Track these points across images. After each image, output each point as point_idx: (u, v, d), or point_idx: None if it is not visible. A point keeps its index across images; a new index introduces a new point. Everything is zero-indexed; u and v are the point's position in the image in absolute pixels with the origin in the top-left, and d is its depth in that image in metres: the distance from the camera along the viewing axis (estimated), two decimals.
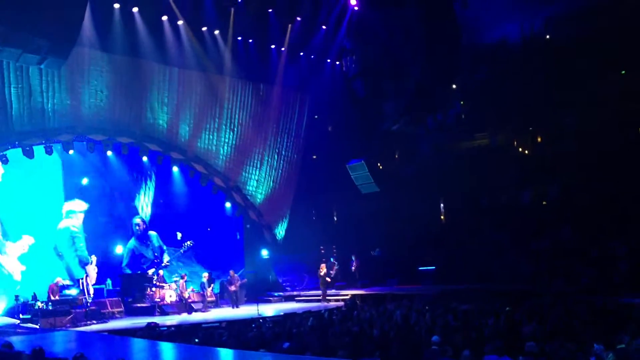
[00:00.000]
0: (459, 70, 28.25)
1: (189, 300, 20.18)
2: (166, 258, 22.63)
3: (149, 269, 21.58)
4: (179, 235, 23.34)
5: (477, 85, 28.09)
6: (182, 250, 22.83)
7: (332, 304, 19.63)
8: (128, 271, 21.98)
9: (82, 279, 18.55)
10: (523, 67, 26.21)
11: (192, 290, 20.92)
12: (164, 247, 23.34)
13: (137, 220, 23.03)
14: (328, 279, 22.53)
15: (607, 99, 23.17)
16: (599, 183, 22.83)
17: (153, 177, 24.09)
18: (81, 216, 21.10)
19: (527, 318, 12.16)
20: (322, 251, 27.16)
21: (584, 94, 23.22)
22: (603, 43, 22.54)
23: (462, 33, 28.19)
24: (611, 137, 22.73)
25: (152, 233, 23.20)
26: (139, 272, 21.54)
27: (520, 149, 27.22)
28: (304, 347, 10.30)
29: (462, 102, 28.91)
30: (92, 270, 18.84)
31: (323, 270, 22.31)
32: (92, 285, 18.56)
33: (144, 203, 23.93)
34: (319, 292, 23.45)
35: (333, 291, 23.65)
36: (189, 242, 22.58)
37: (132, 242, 22.70)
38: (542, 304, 15.24)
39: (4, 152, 18.62)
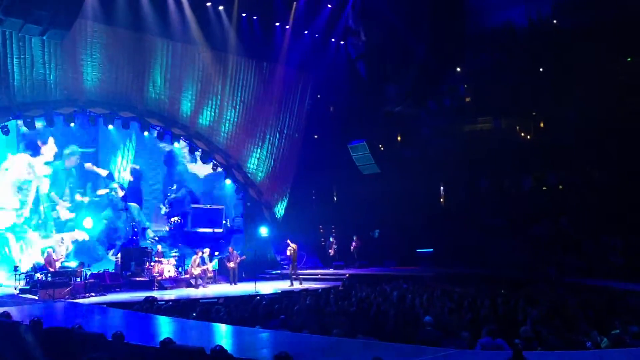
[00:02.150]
0: (463, 54, 28.08)
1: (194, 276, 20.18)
2: (150, 234, 22.11)
3: (124, 247, 20.83)
4: (164, 209, 22.95)
5: (482, 69, 27.92)
6: (168, 227, 22.29)
7: (304, 286, 18.43)
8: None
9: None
10: (528, 51, 26.05)
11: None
12: (147, 224, 22.78)
13: (114, 185, 22.32)
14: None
15: (612, 86, 23.05)
16: (599, 172, 22.83)
17: (133, 138, 23.08)
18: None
19: (523, 302, 12.24)
20: (321, 230, 27.27)
21: (589, 81, 23.08)
22: (610, 30, 22.36)
23: (467, 16, 27.99)
24: (613, 126, 22.64)
25: (133, 205, 22.36)
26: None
27: (522, 134, 27.14)
28: (300, 325, 10.39)
29: (466, 86, 28.77)
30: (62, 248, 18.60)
31: (291, 249, 20.70)
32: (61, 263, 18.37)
33: (121, 167, 22.72)
34: (318, 271, 23.60)
35: (331, 270, 23.79)
36: (176, 218, 22.02)
37: (106, 213, 22.03)
38: (537, 290, 15.34)
39: (5, 123, 18.58)
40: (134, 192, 23.25)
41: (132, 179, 23.24)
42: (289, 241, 20.90)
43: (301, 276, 21.06)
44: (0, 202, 19.93)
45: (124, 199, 22.33)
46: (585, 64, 22.93)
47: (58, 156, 21.41)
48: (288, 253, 20.80)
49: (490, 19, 27.89)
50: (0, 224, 19.78)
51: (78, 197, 22.03)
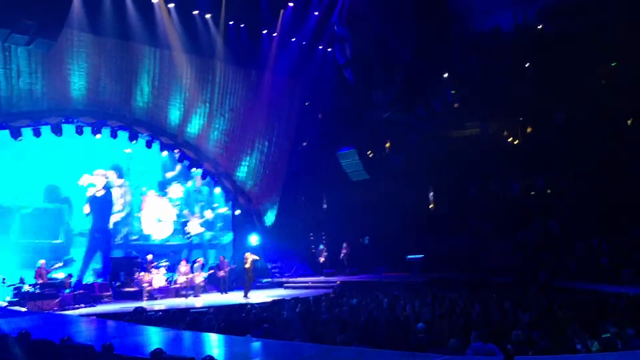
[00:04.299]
0: (450, 59, 28.24)
1: (180, 286, 20.10)
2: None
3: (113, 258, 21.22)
4: None
5: (469, 74, 28.09)
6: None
7: (254, 301, 17.16)
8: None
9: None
10: (515, 56, 26.25)
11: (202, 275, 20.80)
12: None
13: None
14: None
15: (597, 91, 23.27)
16: (586, 177, 22.99)
17: None
18: None
19: (514, 307, 12.27)
20: (312, 238, 27.23)
21: (574, 85, 23.28)
22: (595, 35, 22.57)
23: (453, 22, 28.16)
24: (600, 130, 22.84)
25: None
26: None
27: (510, 139, 27.30)
28: (291, 333, 10.36)
29: (453, 92, 28.91)
30: None
31: (248, 260, 19.88)
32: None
33: None
34: (308, 279, 23.55)
35: (322, 278, 23.75)
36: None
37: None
38: (528, 294, 15.39)
39: None
40: None
41: None
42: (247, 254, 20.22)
43: (290, 284, 20.92)
44: (161, 216, 24.77)
45: None
46: (570, 69, 23.12)
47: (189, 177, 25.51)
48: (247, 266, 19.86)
49: (477, 23, 28.11)
50: (162, 234, 24.70)
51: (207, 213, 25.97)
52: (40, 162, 21.20)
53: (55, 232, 22.21)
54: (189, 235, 24.98)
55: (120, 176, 23.59)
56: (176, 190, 25.58)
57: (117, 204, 23.40)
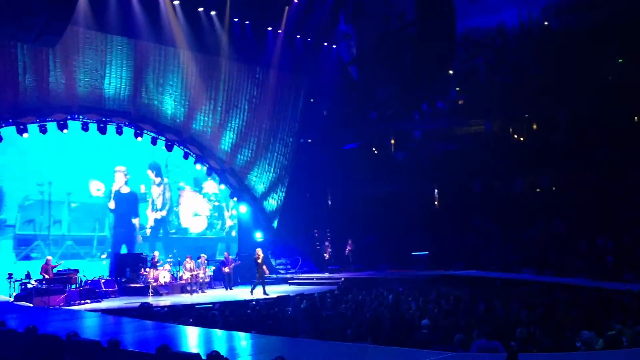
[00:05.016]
0: (455, 57, 28.24)
1: (187, 282, 20.15)
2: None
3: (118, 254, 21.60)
4: None
5: (473, 71, 28.07)
6: None
7: (259, 297, 17.16)
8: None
9: None
10: (520, 53, 26.22)
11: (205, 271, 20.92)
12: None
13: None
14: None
15: (603, 87, 23.21)
16: (591, 174, 22.96)
17: None
18: None
19: (518, 304, 12.29)
20: (316, 234, 27.28)
21: (580, 82, 23.23)
22: (600, 32, 22.53)
23: (458, 19, 28.14)
24: (606, 127, 22.79)
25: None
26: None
27: (515, 136, 27.27)
28: (296, 329, 10.40)
29: (457, 89, 28.90)
30: None
31: (261, 257, 19.53)
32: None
33: None
34: (313, 275, 23.58)
35: (326, 274, 23.80)
36: None
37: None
38: (532, 291, 15.40)
39: None
40: None
41: None
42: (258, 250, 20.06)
43: (294, 280, 20.86)
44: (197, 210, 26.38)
45: None
46: (576, 66, 23.08)
47: None
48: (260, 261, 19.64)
49: (482, 21, 28.07)
50: (198, 228, 26.32)
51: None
52: (87, 158, 22.65)
53: (101, 225, 24.08)
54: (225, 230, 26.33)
55: (158, 174, 24.94)
56: (211, 186, 26.73)
57: (158, 201, 24.84)
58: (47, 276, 17.30)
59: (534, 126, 26.94)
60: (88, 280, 18.73)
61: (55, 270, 17.94)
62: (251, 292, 18.76)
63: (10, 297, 17.22)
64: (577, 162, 23.37)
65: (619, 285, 16.11)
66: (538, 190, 25.74)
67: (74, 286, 17.49)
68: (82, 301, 16.94)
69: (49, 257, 18.16)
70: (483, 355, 7.74)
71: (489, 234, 24.27)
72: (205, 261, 21.08)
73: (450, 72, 28.20)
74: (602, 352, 8.16)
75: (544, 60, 25.09)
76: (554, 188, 25.24)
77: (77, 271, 18.40)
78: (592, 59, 23.02)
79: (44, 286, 16.69)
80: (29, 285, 17.11)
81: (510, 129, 27.50)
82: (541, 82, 24.94)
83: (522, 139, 27.14)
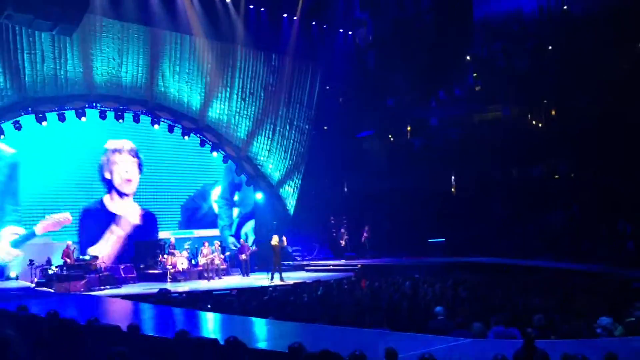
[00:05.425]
0: (472, 42, 27.93)
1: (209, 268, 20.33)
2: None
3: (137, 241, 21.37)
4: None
5: (491, 57, 27.76)
6: None
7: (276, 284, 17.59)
8: None
9: None
10: (538, 38, 25.86)
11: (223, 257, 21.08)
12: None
13: None
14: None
15: (622, 73, 22.82)
16: (611, 160, 22.63)
17: None
18: None
19: (536, 291, 12.23)
20: (332, 221, 27.31)
21: (600, 68, 22.87)
22: (620, 16, 22.12)
23: (475, 4, 27.79)
24: (626, 112, 22.43)
25: None
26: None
27: (533, 123, 26.97)
28: (312, 316, 10.45)
29: (475, 75, 28.61)
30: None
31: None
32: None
33: None
34: (329, 262, 23.64)
35: (343, 261, 23.85)
36: None
37: None
38: (550, 278, 15.30)
39: (17, 119, 18.72)
40: None
41: None
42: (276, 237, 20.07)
43: (311, 267, 20.95)
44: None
45: None
46: (595, 51, 22.71)
47: None
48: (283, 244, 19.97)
49: (499, 5, 27.69)
50: None
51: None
52: None
53: None
54: None
55: None
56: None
57: None
58: (68, 260, 17.54)
59: (553, 112, 26.60)
60: (108, 266, 18.99)
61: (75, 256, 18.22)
62: (270, 279, 18.87)
63: (31, 283, 17.53)
64: (596, 148, 23.04)
65: (639, 271, 15.94)
66: (557, 176, 25.47)
67: (94, 273, 17.73)
68: (102, 287, 17.21)
69: (69, 242, 18.39)
70: (500, 342, 7.72)
71: (506, 221, 24.10)
72: (219, 247, 21.23)
73: (468, 58, 27.87)
74: (622, 338, 8.10)
75: (564, 45, 24.71)
76: (572, 175, 24.95)
77: (96, 257, 18.65)
78: (612, 43, 22.62)
79: (65, 272, 16.95)
80: (50, 272, 17.39)
81: (529, 116, 27.18)
82: (560, 68, 24.59)
83: (540, 125, 26.82)
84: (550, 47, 25.32)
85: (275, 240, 19.70)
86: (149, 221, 22.15)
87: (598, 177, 23.07)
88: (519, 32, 26.71)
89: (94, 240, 20.34)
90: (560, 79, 24.30)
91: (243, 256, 21.25)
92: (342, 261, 23.87)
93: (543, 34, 25.69)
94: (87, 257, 18.49)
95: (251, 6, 22.88)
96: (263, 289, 15.15)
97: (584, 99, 24.10)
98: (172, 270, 19.76)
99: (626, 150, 22.07)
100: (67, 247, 18.03)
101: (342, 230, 26.33)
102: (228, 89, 22.93)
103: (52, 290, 16.19)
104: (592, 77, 23.09)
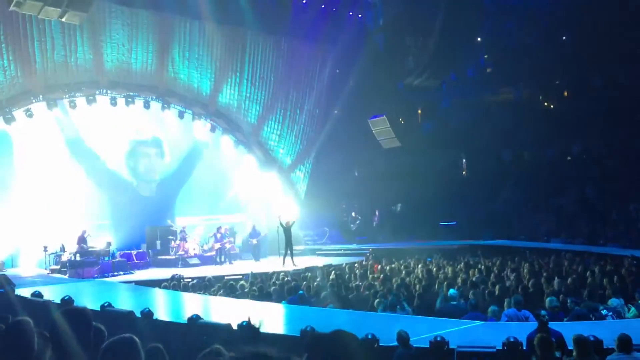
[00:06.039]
0: (483, 24, 27.59)
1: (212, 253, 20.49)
2: None
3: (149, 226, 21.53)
4: None
5: (502, 38, 27.45)
6: None
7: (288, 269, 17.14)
8: None
9: None
10: (550, 19, 25.51)
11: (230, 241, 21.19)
12: None
13: None
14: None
15: (636, 54, 22.51)
16: (623, 141, 22.42)
17: None
18: None
19: (548, 273, 12.19)
20: (344, 206, 27.31)
21: (613, 48, 22.56)
22: None
23: None
24: (638, 93, 22.16)
25: None
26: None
27: (545, 104, 26.71)
28: (324, 299, 10.49)
29: (486, 56, 28.34)
30: None
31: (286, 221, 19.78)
32: None
33: None
34: (341, 246, 23.66)
35: (354, 245, 23.87)
36: None
37: None
38: (563, 260, 15.24)
39: (29, 107, 18.80)
40: None
41: None
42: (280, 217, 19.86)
43: (322, 251, 20.91)
44: None
45: None
46: (609, 31, 22.37)
47: None
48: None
49: None
50: None
51: None
52: None
53: None
54: None
55: None
56: None
57: None
58: (83, 246, 17.70)
59: (565, 93, 26.34)
60: (120, 252, 19.15)
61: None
62: (283, 263, 18.91)
63: (46, 269, 17.72)
64: (609, 129, 22.82)
65: None
66: (569, 158, 25.28)
67: (107, 258, 17.89)
68: (115, 273, 17.35)
69: (85, 229, 18.56)
70: (513, 325, 7.72)
71: (518, 203, 24.00)
72: (227, 232, 21.32)
73: (479, 39, 27.57)
74: (633, 320, 8.08)
75: (576, 25, 24.37)
76: (585, 156, 24.75)
77: (109, 244, 18.80)
78: (625, 24, 22.27)
79: (79, 259, 17.11)
80: (64, 258, 17.56)
81: (541, 97, 26.93)
82: (573, 48, 24.28)
83: (552, 106, 26.57)
84: (563, 27, 24.98)
85: (284, 218, 19.68)
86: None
87: (610, 159, 22.87)
88: (531, 12, 26.36)
89: None
90: (573, 59, 24.00)
91: (254, 241, 21.34)
92: (354, 245, 23.90)
93: (555, 14, 25.33)
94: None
95: None
96: (275, 273, 15.20)
97: (598, 80, 23.82)
98: (184, 256, 19.89)
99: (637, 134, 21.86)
100: (82, 233, 18.19)
101: (353, 214, 26.33)
102: (238, 74, 22.85)
103: (66, 277, 16.35)
104: (606, 57, 22.79)
